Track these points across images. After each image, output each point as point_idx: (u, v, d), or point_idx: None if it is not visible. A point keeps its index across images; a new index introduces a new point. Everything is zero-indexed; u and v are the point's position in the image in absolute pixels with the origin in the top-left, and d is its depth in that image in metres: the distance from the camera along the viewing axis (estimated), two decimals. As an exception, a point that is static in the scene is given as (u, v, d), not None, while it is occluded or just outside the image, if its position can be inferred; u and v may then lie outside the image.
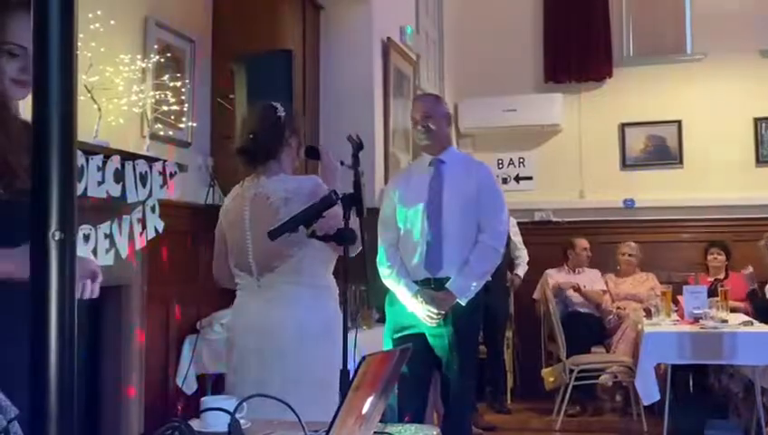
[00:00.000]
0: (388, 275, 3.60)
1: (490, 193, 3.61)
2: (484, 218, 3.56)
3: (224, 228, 2.86)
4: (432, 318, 3.48)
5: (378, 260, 3.63)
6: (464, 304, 3.49)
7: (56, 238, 0.77)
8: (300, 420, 1.64)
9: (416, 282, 3.56)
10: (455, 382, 3.52)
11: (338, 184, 2.75)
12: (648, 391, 4.88)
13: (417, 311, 3.51)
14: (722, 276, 6.26)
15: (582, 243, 6.64)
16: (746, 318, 5.23)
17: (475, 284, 3.52)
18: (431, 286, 3.53)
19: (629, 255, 6.55)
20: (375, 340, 3.82)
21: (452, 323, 3.50)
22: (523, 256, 6.47)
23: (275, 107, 2.79)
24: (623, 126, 7.21)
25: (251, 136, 2.75)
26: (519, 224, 6.70)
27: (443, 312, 3.47)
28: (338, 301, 2.76)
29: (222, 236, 2.88)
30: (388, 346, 3.61)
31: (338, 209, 2.48)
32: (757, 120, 6.93)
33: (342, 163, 2.85)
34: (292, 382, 2.54)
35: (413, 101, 3.95)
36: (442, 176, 3.63)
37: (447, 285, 3.49)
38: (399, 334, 3.58)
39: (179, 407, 3.92)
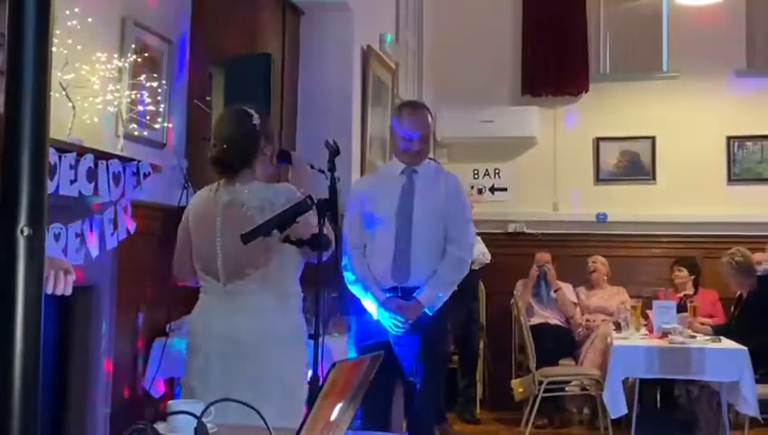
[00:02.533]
0: (354, 282, 3.59)
1: (458, 204, 3.64)
2: (453, 229, 3.58)
3: (190, 228, 2.82)
4: (398, 327, 3.48)
5: (343, 265, 3.62)
6: (431, 314, 3.50)
7: (25, 234, 0.76)
8: (267, 425, 1.62)
9: (382, 290, 3.56)
10: (419, 392, 3.52)
11: (309, 187, 2.73)
12: (616, 404, 4.91)
13: (383, 319, 3.51)
14: (691, 292, 6.32)
15: (544, 257, 6.68)
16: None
17: (442, 294, 3.54)
18: (398, 295, 3.54)
19: (594, 264, 6.59)
20: (347, 347, 3.81)
21: (419, 332, 3.50)
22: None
23: (250, 114, 2.75)
24: (598, 140, 7.26)
25: (225, 146, 2.71)
26: (492, 234, 6.72)
27: (410, 321, 3.47)
28: (301, 308, 2.76)
29: (186, 235, 2.82)
30: (353, 355, 3.61)
31: (311, 216, 2.48)
32: (730, 139, 7.01)
33: (312, 167, 2.85)
34: (258, 389, 2.53)
35: (412, 108, 3.81)
36: (414, 185, 3.63)
37: (416, 294, 3.50)
38: (365, 343, 3.57)
39: (146, 410, 3.88)
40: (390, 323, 3.48)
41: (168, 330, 3.93)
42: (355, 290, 3.59)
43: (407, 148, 3.66)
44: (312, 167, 2.84)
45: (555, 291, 6.50)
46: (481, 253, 6.28)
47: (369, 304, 3.55)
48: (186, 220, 2.85)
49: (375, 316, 3.53)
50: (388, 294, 3.54)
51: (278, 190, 2.71)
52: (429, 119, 3.74)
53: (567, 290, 6.61)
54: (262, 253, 2.59)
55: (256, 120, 2.75)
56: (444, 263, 3.54)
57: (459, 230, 3.59)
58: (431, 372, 3.54)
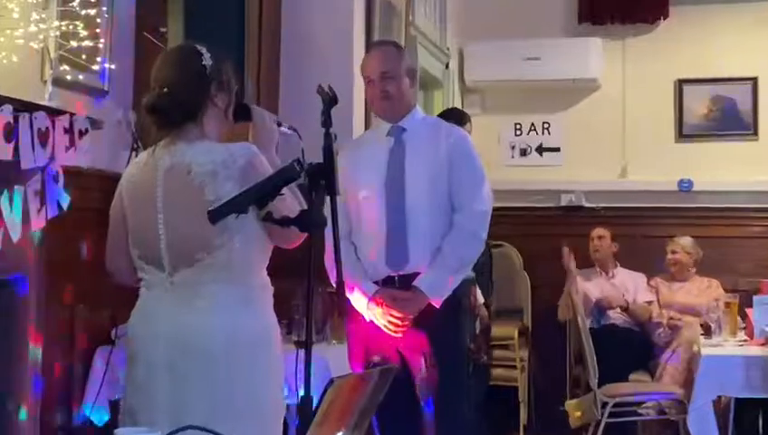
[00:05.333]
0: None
1: (465, 162, 3.69)
2: (459, 195, 3.64)
3: (124, 206, 2.86)
4: (395, 326, 3.51)
5: (325, 258, 3.66)
6: (438, 305, 3.53)
7: None
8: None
9: (376, 283, 3.61)
10: (438, 414, 3.54)
11: (274, 153, 2.80)
12: (705, 431, 4.92)
13: (377, 318, 3.55)
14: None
15: (598, 231, 6.74)
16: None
17: (451, 278, 3.59)
18: (395, 286, 3.60)
19: (674, 252, 6.56)
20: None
21: (426, 331, 3.53)
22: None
23: (200, 52, 2.80)
24: (680, 83, 7.22)
25: (165, 90, 2.76)
26: (540, 209, 6.72)
27: (409, 316, 3.50)
28: (272, 303, 2.81)
29: (120, 217, 2.87)
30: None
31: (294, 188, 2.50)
32: None
33: (281, 125, 2.88)
34: (218, 409, 2.57)
35: (367, 52, 4.02)
36: (404, 147, 3.71)
37: (415, 282, 3.55)
38: (369, 354, 3.60)
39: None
40: (384, 321, 3.52)
41: (113, 336, 3.94)
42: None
43: (372, 96, 3.77)
44: (280, 124, 2.88)
45: (625, 309, 6.49)
46: None
47: (359, 302, 3.60)
48: (118, 198, 2.89)
49: (367, 317, 3.58)
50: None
51: (234, 150, 2.72)
52: (395, 54, 3.81)
53: (639, 282, 6.60)
54: (217, 232, 2.61)
55: (207, 59, 2.78)
56: (449, 238, 3.60)
57: (467, 195, 3.64)
58: (450, 385, 3.57)
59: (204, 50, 2.81)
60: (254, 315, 2.73)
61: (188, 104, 2.76)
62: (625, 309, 6.50)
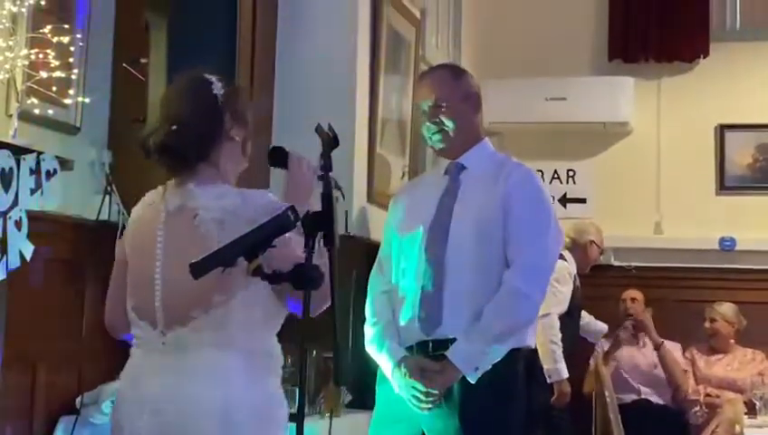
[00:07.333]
0: (371, 338, 3.61)
1: (524, 207, 3.56)
2: (512, 247, 3.52)
3: (126, 251, 2.83)
4: (420, 401, 3.45)
5: (366, 315, 3.67)
6: (473, 380, 3.43)
7: None
8: None
9: (410, 348, 3.54)
10: None
11: (309, 206, 2.67)
12: None
13: (402, 389, 3.49)
14: None
15: (631, 293, 6.74)
16: None
17: (490, 349, 3.45)
18: (429, 353, 3.52)
19: (713, 321, 6.53)
20: (345, 433, 3.80)
21: (458, 409, 3.47)
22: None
23: (209, 81, 2.77)
24: (722, 129, 7.24)
25: (174, 127, 2.71)
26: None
27: (435, 391, 3.43)
28: (280, 376, 2.75)
29: (121, 263, 2.84)
30: None
31: (296, 237, 2.47)
32: None
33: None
34: None
35: (419, 78, 3.92)
36: (457, 189, 3.63)
37: (448, 351, 3.44)
38: (389, 429, 3.56)
39: None
40: (410, 395, 3.46)
41: (78, 405, 3.92)
42: (371, 349, 3.59)
43: (426, 128, 3.71)
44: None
45: (657, 349, 6.46)
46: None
47: (386, 367, 3.55)
48: (122, 241, 2.87)
49: (395, 387, 3.51)
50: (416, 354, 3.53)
51: (248, 197, 2.69)
52: (451, 77, 3.78)
53: (674, 351, 6.57)
54: (218, 287, 2.57)
55: (218, 89, 2.75)
56: (494, 300, 3.47)
57: (521, 246, 3.52)
58: None
59: (213, 78, 2.78)
60: (252, 389, 2.63)
61: (202, 141, 2.72)
62: (658, 347, 6.49)
